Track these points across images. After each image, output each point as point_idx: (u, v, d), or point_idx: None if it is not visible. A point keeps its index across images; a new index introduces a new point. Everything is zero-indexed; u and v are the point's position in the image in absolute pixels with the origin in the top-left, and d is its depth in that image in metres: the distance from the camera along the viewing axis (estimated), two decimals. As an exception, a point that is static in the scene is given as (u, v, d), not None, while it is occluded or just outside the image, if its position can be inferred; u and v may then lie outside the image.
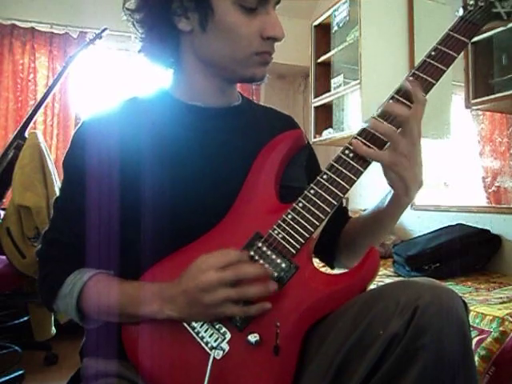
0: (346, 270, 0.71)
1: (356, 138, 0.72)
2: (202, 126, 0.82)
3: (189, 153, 0.79)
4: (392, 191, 0.76)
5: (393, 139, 0.69)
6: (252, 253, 0.71)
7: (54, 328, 2.26)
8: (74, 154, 0.82)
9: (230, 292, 0.65)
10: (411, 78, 0.74)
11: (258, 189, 0.78)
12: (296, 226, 0.71)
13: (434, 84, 0.73)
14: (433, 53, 0.75)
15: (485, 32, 1.87)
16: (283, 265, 0.70)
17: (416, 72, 0.74)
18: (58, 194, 0.86)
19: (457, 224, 2.12)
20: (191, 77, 0.83)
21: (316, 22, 3.00)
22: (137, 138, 0.78)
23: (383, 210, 0.80)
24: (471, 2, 0.78)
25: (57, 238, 0.80)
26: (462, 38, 0.75)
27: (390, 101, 0.73)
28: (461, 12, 0.78)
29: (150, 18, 0.80)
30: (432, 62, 0.74)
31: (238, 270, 0.66)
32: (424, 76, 0.74)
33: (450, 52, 0.75)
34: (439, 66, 0.74)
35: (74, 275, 0.78)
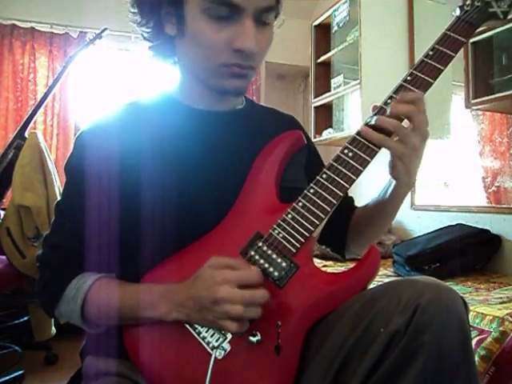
0: (346, 269, 0.71)
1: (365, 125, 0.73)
2: (204, 130, 0.82)
3: (191, 156, 0.79)
4: (393, 181, 0.78)
5: (402, 133, 0.70)
6: (253, 252, 0.71)
7: (53, 328, 2.27)
8: (75, 160, 0.81)
9: (233, 307, 0.63)
10: (409, 78, 0.74)
11: (258, 189, 0.78)
12: (296, 226, 0.71)
13: (432, 83, 0.74)
14: (430, 52, 0.76)
15: (485, 32, 1.88)
16: (284, 264, 0.70)
17: (414, 71, 0.75)
18: (58, 194, 0.86)
19: (457, 224, 2.12)
20: (189, 83, 0.83)
21: (316, 22, 3.00)
22: (139, 141, 0.78)
23: (387, 200, 0.82)
24: (468, 2, 0.79)
25: (59, 242, 0.80)
26: (459, 38, 0.76)
27: (389, 101, 0.73)
28: (457, 12, 0.79)
29: (144, 21, 0.80)
30: (430, 61, 0.75)
31: (256, 294, 0.64)
32: (422, 75, 0.74)
33: (448, 51, 0.75)
34: (437, 65, 0.74)
35: (77, 279, 0.77)
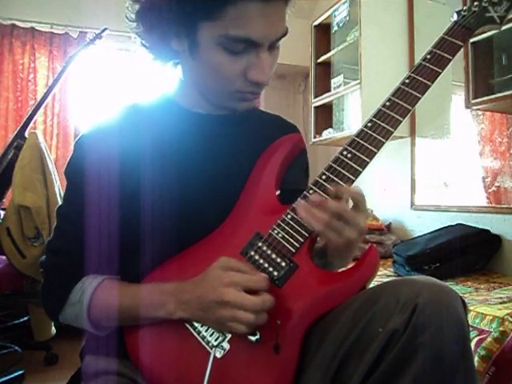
0: (346, 269, 0.71)
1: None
2: (204, 133, 0.82)
3: (192, 159, 0.79)
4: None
5: (334, 226, 0.67)
6: (252, 252, 0.72)
7: (53, 328, 2.27)
8: (75, 163, 0.81)
9: (245, 315, 0.63)
10: (407, 81, 0.76)
11: (259, 191, 0.79)
12: (295, 226, 0.71)
13: (429, 85, 0.75)
14: (428, 56, 0.78)
15: (485, 32, 1.87)
16: (283, 263, 0.70)
17: (412, 74, 0.76)
18: (58, 194, 0.86)
19: (457, 224, 2.12)
20: (190, 89, 0.83)
21: (316, 22, 3.00)
22: (139, 145, 0.78)
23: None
24: (465, 7, 0.81)
25: (61, 247, 0.80)
26: (457, 42, 0.78)
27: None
28: (455, 17, 0.81)
29: (147, 32, 0.78)
30: (427, 64, 0.77)
31: (266, 301, 0.64)
32: (420, 78, 0.76)
33: (445, 55, 0.77)
34: (434, 68, 0.76)
35: (82, 282, 0.78)
